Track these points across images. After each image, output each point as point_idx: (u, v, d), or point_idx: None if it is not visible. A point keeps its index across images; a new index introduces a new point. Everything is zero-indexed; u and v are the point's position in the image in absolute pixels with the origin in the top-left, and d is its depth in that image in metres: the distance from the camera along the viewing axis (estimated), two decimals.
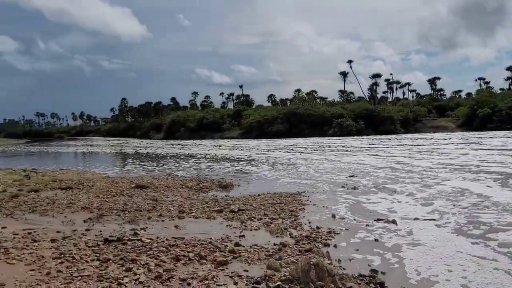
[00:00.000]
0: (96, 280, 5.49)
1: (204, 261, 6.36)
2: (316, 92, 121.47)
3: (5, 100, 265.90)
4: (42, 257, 6.61)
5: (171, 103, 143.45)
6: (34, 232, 8.39)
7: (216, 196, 13.11)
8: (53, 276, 5.65)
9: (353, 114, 75.21)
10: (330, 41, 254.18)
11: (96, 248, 7.10)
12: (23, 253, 6.82)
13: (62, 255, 6.63)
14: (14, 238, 7.93)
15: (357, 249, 7.25)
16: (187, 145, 59.48)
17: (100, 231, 8.51)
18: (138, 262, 6.23)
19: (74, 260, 6.34)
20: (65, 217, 10.22)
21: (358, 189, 14.12)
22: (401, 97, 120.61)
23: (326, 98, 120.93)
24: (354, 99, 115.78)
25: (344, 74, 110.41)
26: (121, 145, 67.78)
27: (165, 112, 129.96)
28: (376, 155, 29.51)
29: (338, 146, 42.30)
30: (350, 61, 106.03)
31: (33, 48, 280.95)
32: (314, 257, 6.05)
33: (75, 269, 5.92)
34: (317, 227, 8.68)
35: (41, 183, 16.49)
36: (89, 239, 7.72)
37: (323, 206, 11.24)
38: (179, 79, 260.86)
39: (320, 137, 65.42)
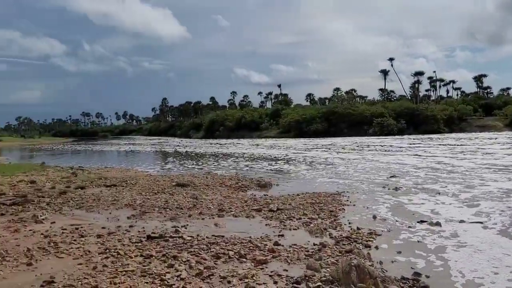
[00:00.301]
0: (140, 276, 5.65)
1: (244, 259, 6.40)
2: (355, 91, 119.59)
3: (53, 100, 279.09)
4: (89, 251, 6.88)
5: (210, 102, 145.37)
6: (81, 227, 8.74)
7: (255, 195, 13.16)
8: (99, 271, 5.86)
9: (394, 113, 73.46)
10: (370, 38, 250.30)
11: (140, 244, 7.30)
12: (71, 248, 7.13)
13: (108, 250, 6.87)
14: (63, 233, 8.29)
15: (399, 251, 7.08)
16: (225, 144, 60.08)
17: (143, 227, 8.75)
18: (179, 259, 6.35)
19: (118, 256, 6.55)
20: (110, 213, 10.58)
21: (399, 190, 13.78)
22: (444, 95, 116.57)
23: (366, 97, 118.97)
24: (395, 98, 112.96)
25: (384, 72, 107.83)
26: (162, 144, 69.33)
27: (205, 111, 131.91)
28: (416, 155, 28.72)
29: (377, 145, 41.46)
30: (391, 59, 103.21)
31: (79, 50, 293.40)
32: (355, 258, 5.96)
33: (120, 264, 6.12)
34: (358, 228, 8.54)
35: (87, 180, 17.13)
36: (133, 235, 7.96)
37: (363, 207, 11.06)
38: (218, 79, 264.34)
39: (360, 137, 64.31)
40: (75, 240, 7.62)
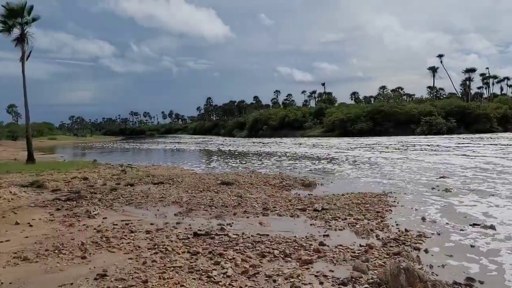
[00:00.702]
0: (187, 272, 5.78)
1: (289, 259, 6.40)
2: (402, 89, 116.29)
3: (104, 100, 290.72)
4: (139, 247, 7.11)
5: (254, 101, 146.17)
6: (131, 223, 9.04)
7: (299, 194, 13.11)
8: (148, 266, 6.05)
9: (443, 112, 70.78)
10: (418, 34, 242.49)
11: (187, 241, 7.46)
12: (122, 243, 7.39)
13: (156, 246, 7.07)
14: (114, 228, 8.62)
15: (450, 254, 6.82)
16: (268, 143, 60.19)
17: (190, 224, 8.94)
18: (225, 256, 6.44)
19: (167, 251, 6.73)
20: (158, 210, 10.89)
21: (449, 191, 13.27)
22: (498, 93, 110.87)
23: (413, 95, 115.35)
24: (444, 96, 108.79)
25: (433, 69, 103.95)
26: (206, 143, 70.46)
27: (248, 110, 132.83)
28: (464, 155, 27.55)
29: (423, 145, 40.11)
30: (440, 55, 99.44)
31: (127, 51, 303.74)
32: (404, 261, 5.79)
33: (168, 260, 6.29)
34: (406, 230, 8.31)
35: (136, 177, 17.71)
36: (180, 232, 8.15)
37: (412, 208, 10.74)
38: (262, 78, 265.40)
39: (406, 136, 62.46)
40: (125, 236, 7.90)
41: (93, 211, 10.24)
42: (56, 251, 6.90)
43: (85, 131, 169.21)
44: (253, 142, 64.34)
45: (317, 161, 27.06)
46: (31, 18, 28.41)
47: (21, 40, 27.98)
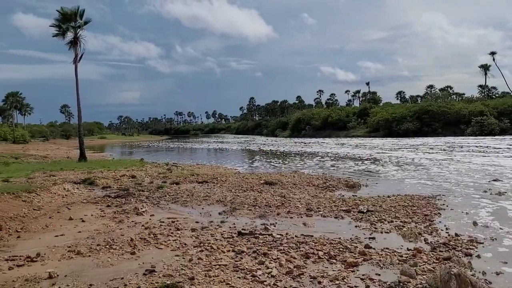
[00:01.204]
0: (232, 270, 5.85)
1: (334, 260, 6.33)
2: (451, 88, 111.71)
3: (150, 100, 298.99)
4: (185, 244, 7.28)
5: (297, 101, 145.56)
6: (177, 221, 9.28)
7: (343, 196, 12.94)
8: (194, 263, 6.18)
9: (495, 112, 67.31)
10: (467, 31, 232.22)
11: (231, 239, 7.56)
12: (169, 240, 7.60)
13: (202, 244, 7.21)
14: (161, 225, 8.88)
15: (505, 261, 6.49)
16: (309, 143, 59.74)
17: (234, 223, 9.05)
18: (269, 256, 6.47)
19: (212, 250, 6.85)
20: (203, 208, 11.09)
21: (503, 194, 12.64)
22: None
23: (463, 94, 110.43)
24: (497, 95, 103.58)
25: (485, 67, 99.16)
26: (248, 142, 70.88)
27: (291, 110, 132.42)
28: None
29: (471, 146, 38.38)
30: (493, 53, 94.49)
31: (172, 52, 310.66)
32: (455, 266, 5.59)
33: (213, 258, 6.40)
34: (456, 234, 7.99)
35: (181, 176, 18.11)
36: (224, 231, 8.26)
37: (462, 212, 10.32)
38: (304, 78, 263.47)
39: (456, 137, 60.06)
40: (172, 233, 8.11)
41: (141, 208, 10.58)
42: (107, 246, 7.19)
43: (132, 131, 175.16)
44: (295, 142, 64.08)
45: (361, 162, 26.57)
46: (83, 22, 29.75)
47: (74, 43, 29.34)
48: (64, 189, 13.35)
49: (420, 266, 6.01)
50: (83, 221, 9.52)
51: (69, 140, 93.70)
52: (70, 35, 29.49)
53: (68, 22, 29.33)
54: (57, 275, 5.75)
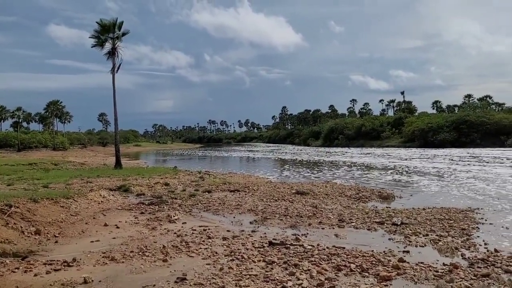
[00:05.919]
0: (263, 280, 5.83)
1: (366, 274, 6.21)
2: (490, 97, 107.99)
3: (183, 108, 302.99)
4: (216, 253, 7.32)
5: (329, 110, 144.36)
6: (208, 229, 9.34)
7: (376, 207, 12.68)
8: (225, 272, 6.20)
9: None
10: (503, 38, 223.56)
11: (262, 249, 7.54)
12: (200, 248, 7.66)
13: (233, 253, 7.23)
14: (193, 233, 8.97)
15: None
16: (343, 152, 59.01)
17: (265, 233, 9.03)
18: (300, 267, 6.41)
19: (243, 259, 6.86)
20: (234, 217, 11.14)
21: None
22: None
23: (503, 104, 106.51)
24: None
25: None
26: (280, 152, 70.78)
27: (323, 119, 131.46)
28: None
29: (510, 158, 36.82)
30: None
31: (201, 62, 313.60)
32: (493, 284, 5.37)
33: (244, 268, 6.40)
34: (495, 250, 7.67)
35: (213, 184, 18.27)
36: (255, 240, 8.26)
37: (502, 227, 9.90)
38: (336, 87, 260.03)
39: (496, 148, 57.88)
40: (203, 241, 8.17)
41: (174, 216, 10.73)
42: (140, 253, 7.33)
43: (166, 138, 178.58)
44: (327, 152, 63.48)
45: (395, 172, 26.01)
46: (121, 33, 30.74)
47: (112, 53, 30.32)
48: (100, 195, 13.72)
49: (456, 282, 5.80)
50: (117, 227, 9.75)
51: (106, 147, 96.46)
52: (108, 46, 30.54)
53: (107, 33, 30.40)
54: (92, 280, 5.90)
